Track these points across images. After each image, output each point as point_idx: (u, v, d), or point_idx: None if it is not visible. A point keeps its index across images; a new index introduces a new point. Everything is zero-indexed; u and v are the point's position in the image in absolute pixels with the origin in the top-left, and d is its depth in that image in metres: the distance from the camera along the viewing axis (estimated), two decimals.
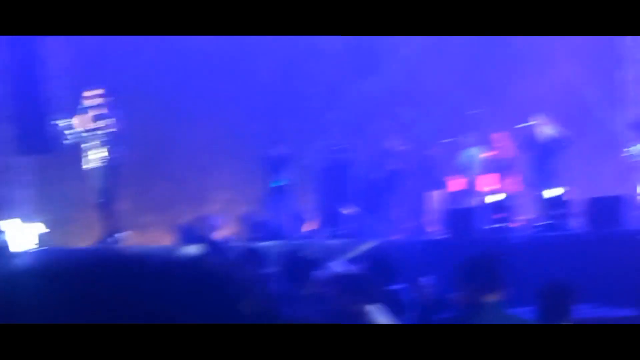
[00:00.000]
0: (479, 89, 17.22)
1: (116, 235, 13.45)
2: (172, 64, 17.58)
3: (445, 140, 16.48)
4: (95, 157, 13.31)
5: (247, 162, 17.25)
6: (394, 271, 7.75)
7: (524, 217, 13.95)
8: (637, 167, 15.04)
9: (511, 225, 13.34)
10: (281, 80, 18.04)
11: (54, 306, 1.51)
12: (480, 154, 15.92)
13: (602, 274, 10.59)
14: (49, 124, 14.16)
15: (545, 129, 14.80)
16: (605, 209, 12.34)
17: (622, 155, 15.79)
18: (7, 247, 12.29)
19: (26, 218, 14.19)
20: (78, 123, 13.42)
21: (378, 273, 7.47)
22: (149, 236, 14.70)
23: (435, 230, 14.76)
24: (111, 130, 13.16)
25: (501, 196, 14.01)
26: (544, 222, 13.23)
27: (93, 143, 13.32)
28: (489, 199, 14.27)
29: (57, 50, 14.72)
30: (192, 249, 10.36)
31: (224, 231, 15.04)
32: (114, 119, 13.19)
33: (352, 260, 9.69)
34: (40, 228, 13.94)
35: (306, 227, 15.43)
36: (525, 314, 5.94)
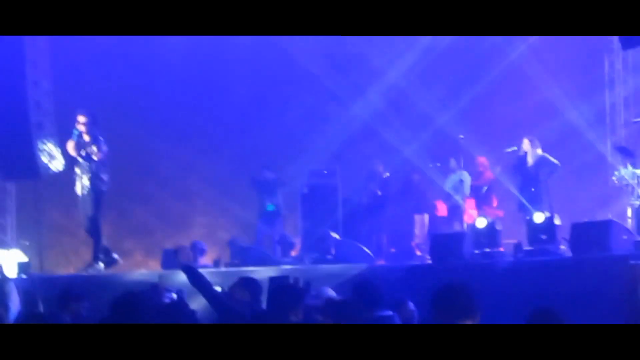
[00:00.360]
0: (465, 113, 17.18)
1: (100, 262, 13.36)
2: (154, 88, 17.51)
3: (431, 165, 16.43)
4: (79, 182, 13.23)
5: (231, 187, 17.19)
6: (379, 296, 7.67)
7: (510, 242, 13.87)
8: (624, 191, 15.00)
9: (498, 249, 13.25)
10: (264, 105, 17.97)
11: None
12: (466, 179, 15.87)
13: (589, 299, 10.50)
14: (33, 149, 14.06)
15: (532, 152, 14.75)
16: (592, 234, 12.24)
17: (610, 179, 15.74)
18: None
19: (4, 245, 14.07)
20: (63, 149, 13.37)
21: (363, 299, 7.40)
22: (131, 261, 14.56)
23: (420, 255, 14.67)
24: (94, 156, 13.09)
25: (487, 221, 13.91)
26: (531, 247, 13.14)
27: (77, 169, 13.25)
28: (476, 224, 14.17)
29: (39, 75, 14.62)
30: (177, 275, 10.24)
31: (209, 256, 14.92)
32: (97, 145, 13.13)
33: (338, 286, 9.60)
34: (22, 254, 13.81)
35: (292, 252, 15.35)
36: None
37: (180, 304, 8.58)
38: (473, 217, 15.22)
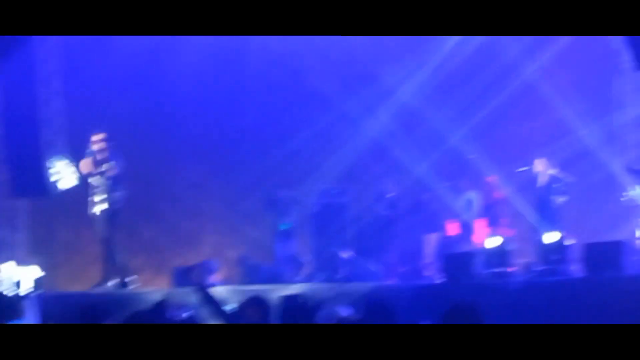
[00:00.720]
0: (476, 132, 17.15)
1: (113, 281, 13.40)
2: (167, 108, 17.57)
3: (443, 184, 16.39)
4: (94, 201, 13.28)
5: (242, 205, 17.18)
6: (390, 315, 7.63)
7: (522, 262, 13.84)
8: (636, 211, 14.94)
9: (509, 269, 13.22)
10: (276, 124, 17.97)
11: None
12: (478, 198, 15.83)
13: (601, 320, 10.45)
14: (44, 167, 14.10)
15: (543, 172, 14.74)
16: (604, 254, 12.23)
17: (621, 199, 15.70)
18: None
19: (21, 261, 14.08)
20: (78, 167, 13.43)
21: (374, 317, 7.37)
22: (141, 279, 14.55)
23: (431, 274, 14.63)
24: (109, 175, 13.16)
25: (499, 240, 13.88)
26: (542, 267, 13.11)
27: (92, 188, 13.31)
28: (487, 243, 14.14)
29: (51, 93, 14.67)
30: (187, 293, 10.24)
31: (219, 275, 14.89)
32: (111, 164, 13.19)
33: (349, 305, 9.57)
34: (35, 271, 13.80)
35: (304, 271, 15.33)
36: None
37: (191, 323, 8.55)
38: (483, 236, 15.19)
